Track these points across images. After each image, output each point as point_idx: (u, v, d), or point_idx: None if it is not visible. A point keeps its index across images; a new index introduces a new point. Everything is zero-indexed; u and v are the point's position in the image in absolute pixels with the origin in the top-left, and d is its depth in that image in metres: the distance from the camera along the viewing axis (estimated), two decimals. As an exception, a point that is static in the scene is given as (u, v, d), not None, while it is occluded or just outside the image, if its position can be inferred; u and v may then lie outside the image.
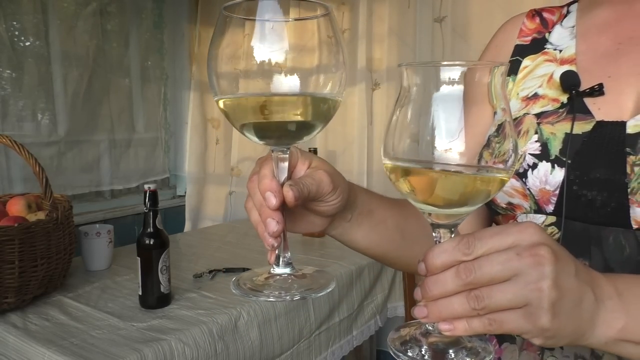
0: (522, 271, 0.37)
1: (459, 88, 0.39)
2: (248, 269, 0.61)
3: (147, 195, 1.20)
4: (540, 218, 0.59)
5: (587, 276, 0.41)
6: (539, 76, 0.65)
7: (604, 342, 0.42)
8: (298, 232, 0.55)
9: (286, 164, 0.48)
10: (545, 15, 0.70)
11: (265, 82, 0.43)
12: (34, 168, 1.20)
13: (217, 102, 0.46)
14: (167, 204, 2.61)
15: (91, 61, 2.21)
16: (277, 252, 0.49)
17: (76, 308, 1.22)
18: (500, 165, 0.41)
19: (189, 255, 1.70)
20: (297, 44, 0.43)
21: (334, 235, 0.59)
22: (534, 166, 0.59)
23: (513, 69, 0.67)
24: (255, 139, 0.47)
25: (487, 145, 0.44)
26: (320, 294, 0.47)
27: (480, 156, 0.43)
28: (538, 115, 0.61)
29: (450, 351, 0.41)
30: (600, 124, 0.57)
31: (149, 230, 1.21)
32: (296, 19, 0.44)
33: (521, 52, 0.68)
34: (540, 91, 0.63)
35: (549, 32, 0.68)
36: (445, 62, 0.39)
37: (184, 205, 2.60)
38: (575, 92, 0.59)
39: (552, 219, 0.59)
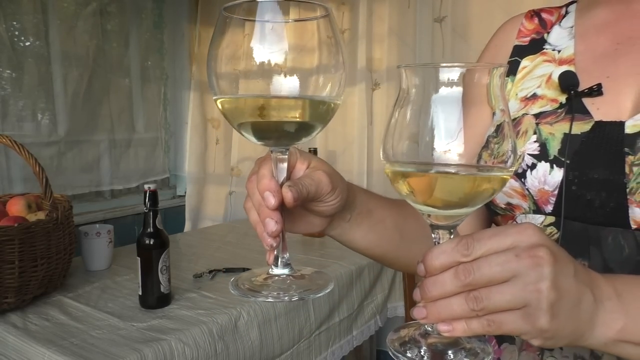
0: (520, 272, 0.37)
1: (458, 89, 0.39)
2: (248, 269, 0.61)
3: (147, 195, 1.20)
4: (539, 218, 0.60)
5: (586, 277, 0.41)
6: (538, 76, 0.65)
7: (603, 343, 0.42)
8: (297, 232, 0.55)
9: (285, 164, 0.48)
10: (544, 15, 0.70)
11: (264, 82, 0.43)
12: (34, 168, 1.20)
13: (216, 102, 0.46)
14: (167, 204, 2.61)
15: (91, 61, 2.21)
16: (275, 252, 0.49)
17: (76, 308, 1.22)
18: (500, 166, 0.41)
19: (189, 255, 1.70)
20: (297, 44, 0.43)
21: (333, 235, 0.59)
22: (532, 166, 0.59)
23: (512, 70, 0.67)
24: (254, 139, 0.47)
25: (486, 146, 0.44)
26: (319, 295, 0.47)
27: (480, 157, 0.43)
28: (537, 116, 0.61)
29: (449, 352, 0.41)
30: (598, 124, 0.57)
31: (149, 230, 1.21)
32: (296, 20, 0.44)
33: (520, 52, 0.68)
34: (539, 91, 0.64)
35: (548, 33, 0.68)
36: (444, 64, 0.39)
37: (184, 205, 2.61)
38: (573, 92, 0.59)
39: (551, 219, 0.59)
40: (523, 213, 0.61)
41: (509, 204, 0.62)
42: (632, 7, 0.62)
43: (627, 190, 0.53)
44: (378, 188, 2.04)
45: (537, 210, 0.59)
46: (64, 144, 2.16)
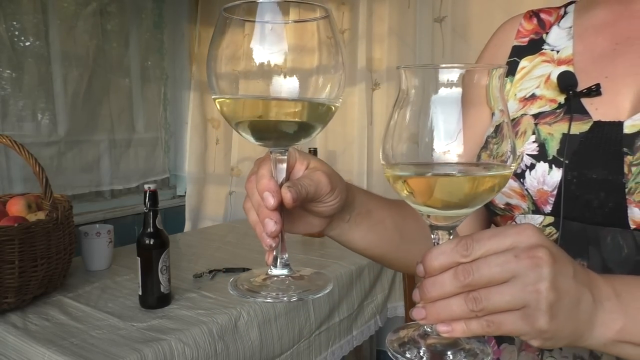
0: (520, 273, 0.38)
1: (457, 90, 0.39)
2: (248, 269, 0.62)
3: (147, 195, 1.20)
4: (538, 218, 0.60)
5: (585, 277, 0.41)
6: (537, 77, 0.65)
7: (603, 344, 0.42)
8: (296, 232, 0.56)
9: (284, 165, 0.48)
10: (543, 16, 0.70)
11: (264, 83, 0.43)
12: (34, 168, 1.20)
13: (215, 102, 0.46)
14: (167, 204, 2.61)
15: (91, 61, 2.21)
16: (274, 253, 0.49)
17: (76, 308, 1.22)
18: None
19: (189, 255, 1.70)
20: (296, 45, 0.43)
21: (332, 235, 0.59)
22: (531, 167, 0.59)
23: (511, 70, 0.67)
24: (253, 140, 0.47)
25: (485, 146, 0.44)
26: (318, 296, 0.47)
27: (479, 157, 0.43)
28: (535, 116, 0.61)
29: (449, 353, 0.41)
30: (597, 124, 0.57)
31: (149, 230, 1.21)
32: (295, 21, 0.44)
33: (519, 53, 0.68)
34: (538, 92, 0.64)
35: (547, 33, 0.68)
36: (443, 65, 0.40)
37: (184, 205, 2.61)
38: (572, 93, 0.59)
39: (550, 219, 0.59)
40: (522, 213, 0.61)
41: (508, 204, 0.62)
42: (631, 8, 0.62)
43: (626, 190, 0.53)
44: (378, 188, 2.04)
45: (536, 210, 0.60)
46: (64, 144, 2.16)
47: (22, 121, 2.03)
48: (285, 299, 0.46)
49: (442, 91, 0.40)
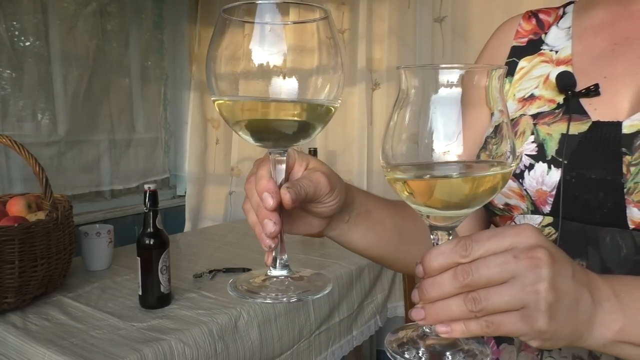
0: (519, 273, 0.38)
1: (457, 90, 0.39)
2: (248, 269, 0.62)
3: (147, 195, 1.20)
4: (537, 219, 0.60)
5: (584, 278, 0.41)
6: (535, 77, 0.65)
7: (602, 344, 0.42)
8: (296, 233, 0.56)
9: (284, 165, 0.48)
10: (542, 16, 0.70)
11: (263, 83, 0.43)
12: (34, 168, 1.20)
13: (215, 103, 0.46)
14: (167, 204, 2.61)
15: (91, 61, 2.21)
16: (274, 254, 0.49)
17: (76, 308, 1.22)
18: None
19: (189, 255, 1.70)
20: (295, 46, 0.43)
21: (331, 236, 0.59)
22: (530, 167, 0.59)
23: (509, 70, 0.67)
24: (252, 141, 0.47)
25: (485, 146, 0.44)
26: (317, 296, 0.47)
27: (478, 158, 0.43)
28: (534, 116, 0.61)
29: (448, 353, 0.41)
30: (596, 124, 0.57)
31: (149, 230, 1.21)
32: (295, 22, 0.44)
33: (517, 53, 0.68)
34: (537, 92, 0.64)
35: (545, 33, 0.68)
36: (443, 65, 0.40)
37: (184, 205, 2.61)
38: (571, 93, 0.59)
39: (549, 219, 0.59)
40: (521, 213, 0.61)
41: (507, 204, 0.62)
42: (630, 8, 0.62)
43: (625, 190, 0.53)
44: (378, 188, 2.04)
45: (535, 210, 0.60)
46: (64, 144, 2.16)
47: (22, 121, 2.03)
48: (284, 299, 0.46)
49: (442, 91, 0.40)
